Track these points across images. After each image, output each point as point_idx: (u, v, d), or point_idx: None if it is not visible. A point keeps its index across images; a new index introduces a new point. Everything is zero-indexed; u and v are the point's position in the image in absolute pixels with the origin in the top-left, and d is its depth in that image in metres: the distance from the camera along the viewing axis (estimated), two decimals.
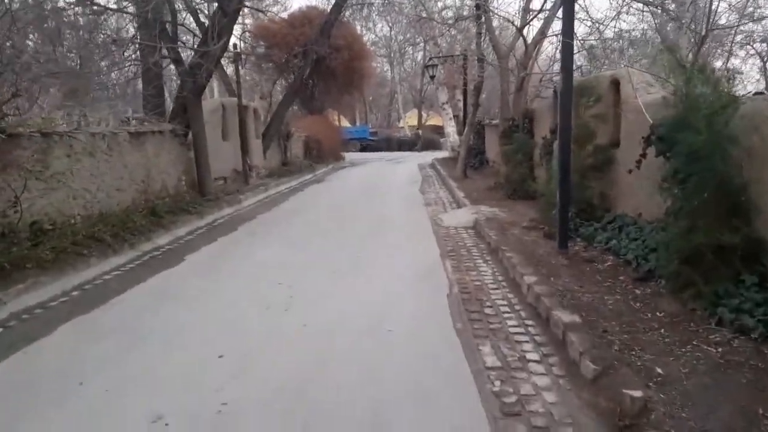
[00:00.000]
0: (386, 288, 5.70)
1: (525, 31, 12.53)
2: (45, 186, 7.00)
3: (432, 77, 19.21)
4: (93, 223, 7.25)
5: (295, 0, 34.78)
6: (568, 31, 6.39)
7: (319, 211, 11.41)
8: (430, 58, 18.90)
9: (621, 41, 12.71)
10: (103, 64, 12.34)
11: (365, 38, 38.62)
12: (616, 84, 7.90)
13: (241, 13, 32.67)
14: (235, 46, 14.70)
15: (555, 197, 7.70)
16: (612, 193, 7.77)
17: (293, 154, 20.50)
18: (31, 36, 12.36)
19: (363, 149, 39.06)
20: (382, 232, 8.86)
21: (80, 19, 12.21)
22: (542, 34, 11.38)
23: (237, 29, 25.06)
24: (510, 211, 9.83)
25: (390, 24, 45.15)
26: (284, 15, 28.39)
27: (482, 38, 14.31)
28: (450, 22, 13.80)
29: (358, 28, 36.45)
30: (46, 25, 11.49)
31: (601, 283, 5.40)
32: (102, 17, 12.30)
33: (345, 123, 48.56)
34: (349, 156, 30.12)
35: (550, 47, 18.57)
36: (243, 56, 23.76)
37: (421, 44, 46.46)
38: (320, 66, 27.20)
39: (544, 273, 5.72)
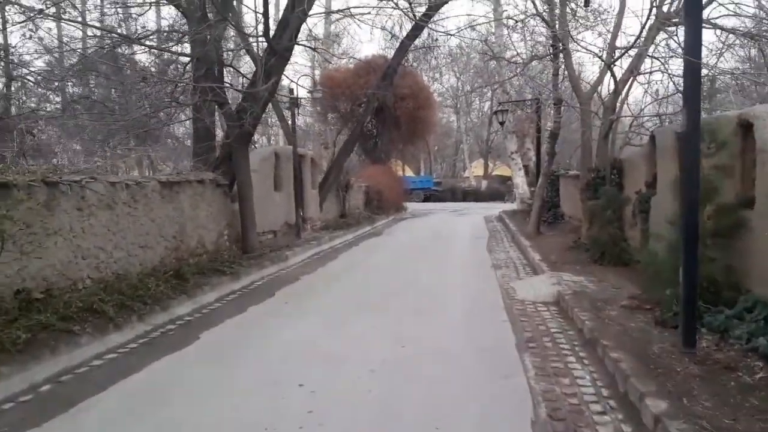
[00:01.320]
0: (438, 406, 4.12)
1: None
2: (43, 244, 5.93)
3: (501, 123, 17.78)
4: (92, 291, 6.08)
5: (365, 49, 34.56)
6: (693, 47, 4.79)
7: (369, 273, 9.98)
8: (500, 103, 17.50)
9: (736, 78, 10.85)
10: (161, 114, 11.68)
11: (432, 88, 38.05)
12: (746, 127, 6.17)
13: (312, 64, 32.87)
14: (291, 90, 13.86)
15: (667, 270, 5.99)
16: (743, 268, 5.94)
17: (352, 205, 19.38)
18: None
19: (426, 199, 37.80)
20: (438, 307, 7.30)
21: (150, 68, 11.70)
22: (632, 72, 9.75)
23: (305, 81, 24.71)
24: (600, 282, 8.05)
25: (457, 74, 44.54)
26: (349, 64, 28.08)
27: (559, 79, 12.81)
28: (523, 60, 12.38)
29: (425, 78, 35.84)
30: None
31: (763, 411, 3.63)
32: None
33: (409, 172, 47.74)
34: (413, 206, 28.85)
35: (638, 90, 16.56)
36: (304, 100, 23.28)
37: (488, 93, 45.63)
38: (384, 114, 26.47)
39: (671, 389, 3.99)
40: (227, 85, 9.50)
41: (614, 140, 10.94)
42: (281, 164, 13.33)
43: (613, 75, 9.74)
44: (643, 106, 12.01)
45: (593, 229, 9.48)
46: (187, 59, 10.59)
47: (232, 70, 12.26)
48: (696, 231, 4.90)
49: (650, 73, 9.86)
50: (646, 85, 11.83)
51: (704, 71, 10.20)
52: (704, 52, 8.82)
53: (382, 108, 25.79)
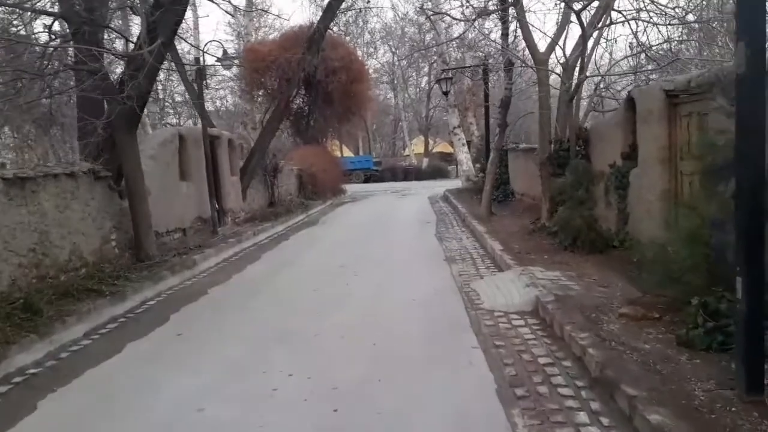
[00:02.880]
0: None
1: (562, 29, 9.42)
2: None
3: (445, 93, 16.12)
4: None
5: (294, 19, 32.14)
6: None
7: (296, 280, 8.11)
8: (443, 70, 15.80)
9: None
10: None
11: (367, 64, 35.99)
12: None
13: (239, 37, 30.03)
14: (197, 60, 11.67)
15: (685, 268, 4.52)
16: None
17: (283, 191, 17.34)
18: None
19: (367, 180, 36.01)
20: (386, 333, 5.56)
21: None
22: (604, 13, 8.14)
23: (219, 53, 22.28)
24: (581, 278, 6.52)
25: (393, 49, 42.63)
26: (274, 34, 25.68)
27: (510, 39, 11.19)
28: (466, 16, 10.64)
29: (360, 53, 33.76)
30: None
31: None
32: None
33: (348, 153, 45.75)
34: (352, 188, 26.95)
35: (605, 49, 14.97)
36: (226, 76, 20.95)
37: (425, 68, 44.04)
38: (315, 90, 24.27)
39: None
40: (97, 49, 7.27)
41: (578, 106, 9.44)
42: (188, 148, 11.16)
43: (581, 22, 8.12)
44: (611, 63, 10.53)
45: (564, 211, 7.94)
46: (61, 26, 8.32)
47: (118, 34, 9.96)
48: (761, 222, 3.31)
49: (625, 21, 8.27)
50: (617, 40, 10.35)
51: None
52: None
53: (312, 83, 23.62)
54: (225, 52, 12.40)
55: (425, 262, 8.71)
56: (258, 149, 14.28)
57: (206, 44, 14.65)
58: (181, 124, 30.74)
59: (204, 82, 11.96)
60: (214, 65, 12.85)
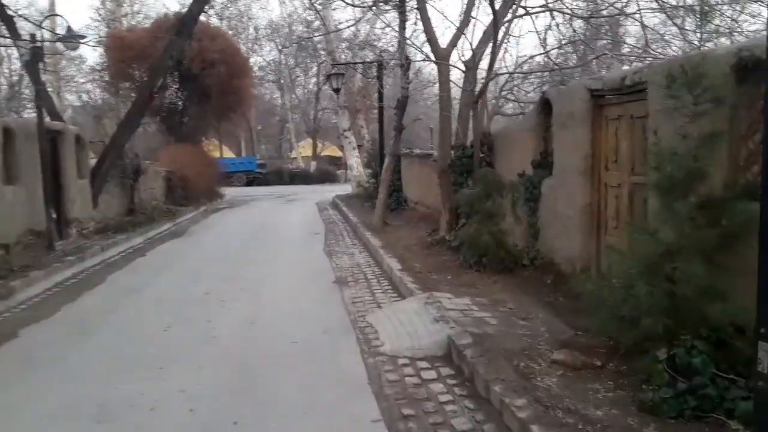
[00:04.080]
0: None
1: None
2: None
3: (336, 90, 14.80)
4: None
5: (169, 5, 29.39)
6: None
7: (141, 315, 6.39)
8: (334, 65, 14.49)
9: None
10: None
11: (251, 61, 33.90)
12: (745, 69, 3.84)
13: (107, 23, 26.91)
14: (33, 37, 9.44)
15: (643, 305, 3.59)
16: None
17: (147, 196, 15.14)
18: None
19: (250, 183, 33.84)
20: (249, 395, 4.14)
21: None
22: (510, 7, 7.28)
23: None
24: (497, 307, 5.49)
25: (279, 47, 40.73)
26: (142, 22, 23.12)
27: (407, 33, 10.15)
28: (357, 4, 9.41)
29: (243, 50, 31.62)
30: None
31: None
32: None
33: (230, 154, 43.12)
34: (233, 192, 24.81)
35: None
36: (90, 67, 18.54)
37: (314, 69, 42.54)
38: (191, 84, 22.03)
39: None
40: None
41: (484, 109, 8.55)
42: (18, 145, 8.96)
43: (492, 6, 7.13)
44: (519, 62, 9.73)
45: (471, 226, 6.92)
46: None
47: None
48: None
49: (541, 12, 7.42)
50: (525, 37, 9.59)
51: None
52: None
53: (187, 75, 21.39)
54: (69, 28, 10.23)
55: (312, 286, 7.33)
56: (113, 148, 12.11)
57: (44, 19, 12.20)
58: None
59: (42, 63, 9.74)
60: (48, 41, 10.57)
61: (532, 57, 8.88)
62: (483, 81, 8.00)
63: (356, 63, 13.71)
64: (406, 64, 10.25)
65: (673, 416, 3.13)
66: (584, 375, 3.84)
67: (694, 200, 3.75)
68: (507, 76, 8.83)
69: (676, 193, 3.73)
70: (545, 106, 6.94)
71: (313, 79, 44.33)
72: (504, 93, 8.98)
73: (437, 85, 10.05)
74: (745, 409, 2.87)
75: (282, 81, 43.72)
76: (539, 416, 3.21)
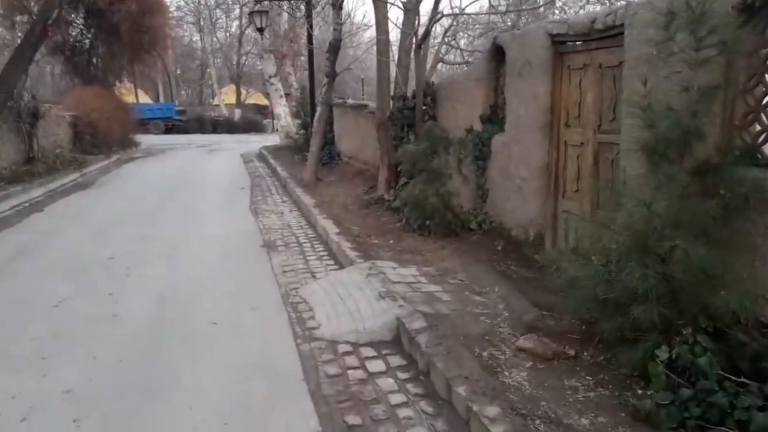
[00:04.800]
0: None
1: None
2: None
3: (260, 30, 13.47)
4: None
5: None
6: None
7: (28, 285, 5.40)
8: (258, 2, 13.12)
9: None
10: None
11: (168, 0, 31.11)
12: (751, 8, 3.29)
13: None
14: None
15: (619, 285, 3.06)
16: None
17: (49, 143, 13.45)
18: None
19: (168, 131, 31.63)
20: (152, 396, 3.38)
21: None
22: None
23: None
24: (444, 277, 4.92)
25: None
26: None
27: None
28: None
29: None
30: None
31: None
32: None
33: (147, 99, 40.20)
34: (150, 140, 22.92)
35: None
36: None
37: (236, 12, 39.85)
38: (99, 20, 19.82)
39: None
40: None
41: (426, 56, 7.78)
42: None
43: None
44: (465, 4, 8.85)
45: (416, 186, 6.25)
46: None
47: None
48: None
49: None
50: None
51: None
52: None
53: (92, 10, 19.18)
54: None
55: (236, 251, 6.49)
56: (3, 86, 10.46)
57: None
58: None
59: None
60: None
61: None
62: (426, 23, 7.21)
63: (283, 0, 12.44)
64: (338, 1, 9.24)
65: (673, 427, 2.64)
66: (557, 368, 3.33)
67: (689, 165, 3.23)
68: (452, 19, 8.06)
69: (671, 157, 3.19)
70: (497, 53, 6.28)
71: (236, 22, 41.69)
72: (448, 39, 8.21)
73: (372, 28, 9.18)
74: (762, 422, 2.40)
75: (202, 23, 40.85)
76: (516, 429, 2.65)
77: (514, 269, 5.36)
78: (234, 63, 41.46)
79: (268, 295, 4.97)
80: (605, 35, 4.52)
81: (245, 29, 36.43)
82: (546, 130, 5.40)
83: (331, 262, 5.96)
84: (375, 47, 8.71)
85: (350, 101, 13.46)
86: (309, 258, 6.14)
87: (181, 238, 7.06)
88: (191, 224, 7.90)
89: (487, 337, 3.70)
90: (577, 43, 4.92)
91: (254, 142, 23.06)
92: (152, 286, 5.21)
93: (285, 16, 19.26)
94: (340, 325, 4.17)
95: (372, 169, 10.91)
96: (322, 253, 6.31)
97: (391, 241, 6.33)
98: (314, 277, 5.46)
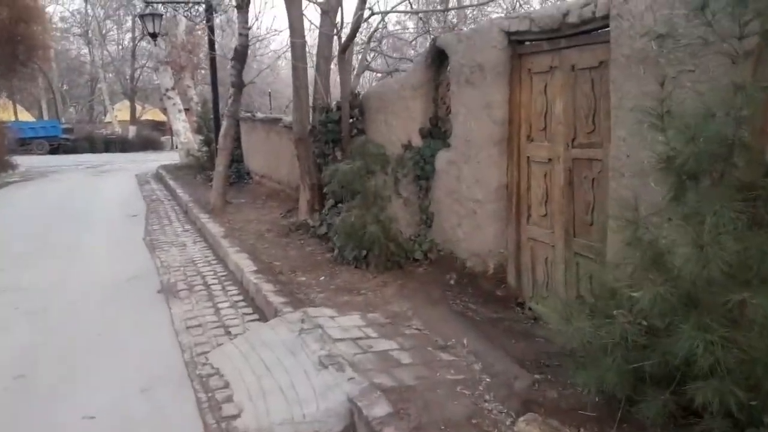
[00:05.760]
0: None
1: None
2: None
3: (153, 36, 11.98)
4: None
5: None
6: None
7: None
8: (148, 3, 11.64)
9: None
10: None
11: (52, 11, 28.39)
12: None
13: None
14: None
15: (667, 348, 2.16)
16: None
17: None
18: None
19: (54, 151, 28.64)
20: None
21: None
22: None
23: None
24: (397, 326, 3.96)
25: None
26: None
27: None
28: None
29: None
30: None
31: None
32: None
33: (29, 117, 36.55)
34: (31, 162, 20.31)
35: None
36: None
37: (128, 24, 37.17)
38: None
39: None
40: None
41: (350, 62, 6.85)
42: None
43: None
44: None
45: (352, 212, 5.25)
46: None
47: None
48: None
49: None
50: None
51: None
52: None
53: None
54: None
55: (124, 300, 5.18)
56: None
57: None
58: None
59: None
60: None
61: None
62: (351, 23, 6.29)
63: (177, 1, 11.07)
64: (244, 1, 8.12)
65: None
66: None
67: (732, 187, 2.48)
68: (379, 20, 7.18)
69: (713, 177, 2.44)
70: (437, 57, 5.46)
71: (129, 34, 38.93)
72: (374, 43, 7.34)
73: (282, 34, 8.16)
74: None
75: (90, 35, 37.72)
76: None
77: (474, 308, 4.51)
78: (128, 77, 38.56)
79: (167, 366, 3.77)
80: (580, 30, 3.78)
81: (139, 40, 33.99)
82: (503, 145, 4.60)
83: (250, 310, 4.82)
84: (287, 55, 7.67)
85: (260, 115, 12.27)
86: (220, 306, 4.95)
87: (55, 286, 5.63)
88: (69, 267, 6.43)
89: (474, 421, 2.77)
90: (542, 41, 4.16)
91: (151, 161, 21.07)
92: (10, 360, 3.85)
93: (183, 25, 17.73)
94: (269, 411, 3.08)
95: (288, 190, 9.81)
96: (236, 298, 5.15)
97: (323, 278, 5.29)
98: (229, 334, 4.30)
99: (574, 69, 3.90)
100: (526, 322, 4.32)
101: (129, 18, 34.35)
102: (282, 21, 22.24)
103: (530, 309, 4.48)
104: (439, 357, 3.51)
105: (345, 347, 3.59)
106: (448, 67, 5.34)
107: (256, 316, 4.64)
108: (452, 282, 4.97)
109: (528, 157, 4.45)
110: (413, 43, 8.11)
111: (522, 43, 4.41)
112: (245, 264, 5.71)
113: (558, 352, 3.63)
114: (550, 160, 4.20)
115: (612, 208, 3.46)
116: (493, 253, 4.74)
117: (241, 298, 5.14)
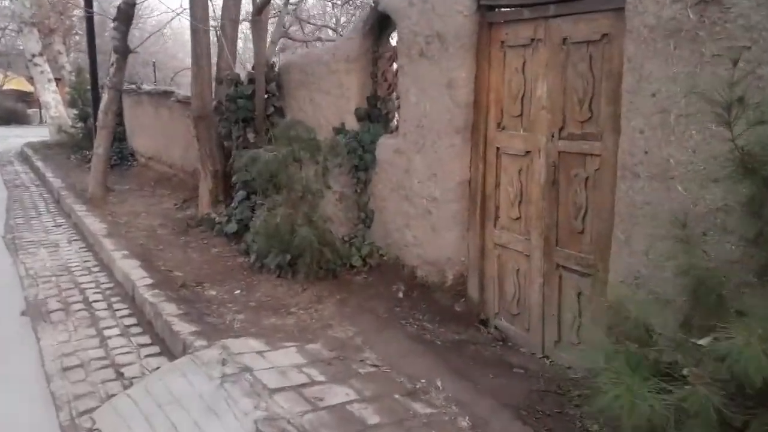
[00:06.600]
0: None
1: None
2: None
3: None
4: None
5: None
6: None
7: None
8: None
9: None
10: None
11: None
12: None
13: None
14: None
15: None
16: None
17: None
18: None
19: None
20: None
21: None
22: None
23: None
24: (352, 363, 3.12)
25: None
26: None
27: None
28: None
29: None
30: None
31: None
32: None
33: None
34: None
35: None
36: None
37: None
38: None
39: None
40: None
41: (266, 28, 5.76)
42: None
43: None
44: None
45: (277, 209, 4.26)
46: None
47: None
48: None
49: None
50: None
51: None
52: None
53: None
54: None
55: None
56: None
57: None
58: None
59: None
60: None
61: None
62: None
63: None
64: None
65: None
66: None
67: None
68: None
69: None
70: (379, 23, 4.59)
71: None
72: (292, 7, 6.27)
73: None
74: None
75: None
76: None
77: (432, 328, 3.77)
78: None
79: None
80: None
81: None
82: (467, 133, 3.84)
83: (147, 339, 3.73)
84: (173, 24, 6.42)
85: (147, 87, 10.69)
86: (108, 334, 3.81)
87: None
88: None
89: None
90: (522, 8, 3.42)
91: (15, 137, 18.29)
92: None
93: None
94: None
95: (182, 175, 8.53)
96: (128, 321, 4.02)
97: (238, 292, 4.30)
98: (122, 377, 3.22)
99: (566, 42, 3.20)
100: (493, 345, 3.66)
101: None
102: None
103: (495, 328, 3.82)
104: (412, 409, 2.71)
105: (287, 402, 2.69)
106: (391, 37, 4.49)
107: (156, 349, 3.57)
108: (400, 295, 4.18)
109: (497, 149, 3.72)
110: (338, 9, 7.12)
111: (494, 9, 3.64)
112: (137, 274, 4.55)
113: (546, 390, 3.05)
114: (527, 152, 3.50)
115: (622, 216, 2.83)
116: (453, 261, 3.99)
117: (134, 321, 4.01)
